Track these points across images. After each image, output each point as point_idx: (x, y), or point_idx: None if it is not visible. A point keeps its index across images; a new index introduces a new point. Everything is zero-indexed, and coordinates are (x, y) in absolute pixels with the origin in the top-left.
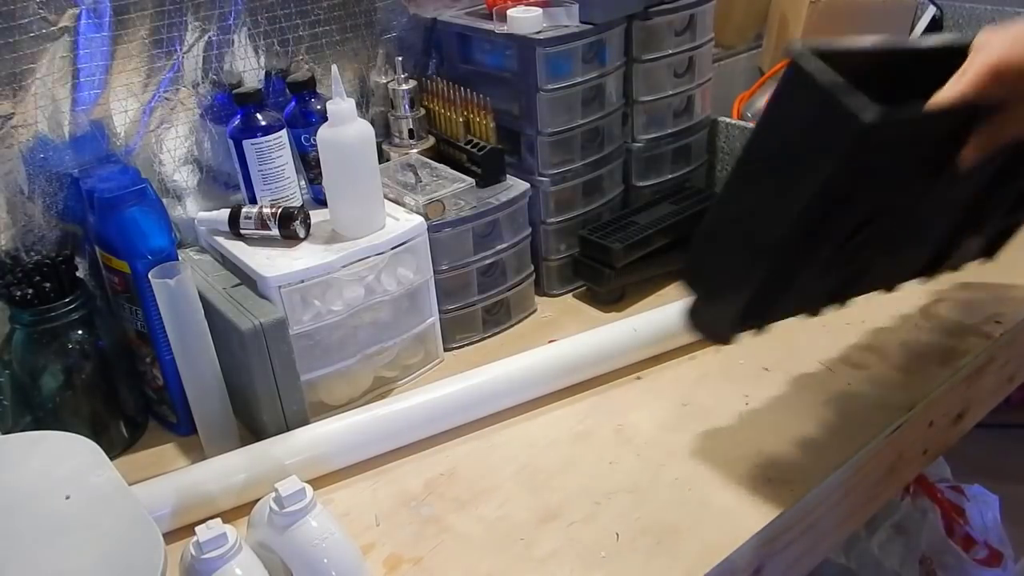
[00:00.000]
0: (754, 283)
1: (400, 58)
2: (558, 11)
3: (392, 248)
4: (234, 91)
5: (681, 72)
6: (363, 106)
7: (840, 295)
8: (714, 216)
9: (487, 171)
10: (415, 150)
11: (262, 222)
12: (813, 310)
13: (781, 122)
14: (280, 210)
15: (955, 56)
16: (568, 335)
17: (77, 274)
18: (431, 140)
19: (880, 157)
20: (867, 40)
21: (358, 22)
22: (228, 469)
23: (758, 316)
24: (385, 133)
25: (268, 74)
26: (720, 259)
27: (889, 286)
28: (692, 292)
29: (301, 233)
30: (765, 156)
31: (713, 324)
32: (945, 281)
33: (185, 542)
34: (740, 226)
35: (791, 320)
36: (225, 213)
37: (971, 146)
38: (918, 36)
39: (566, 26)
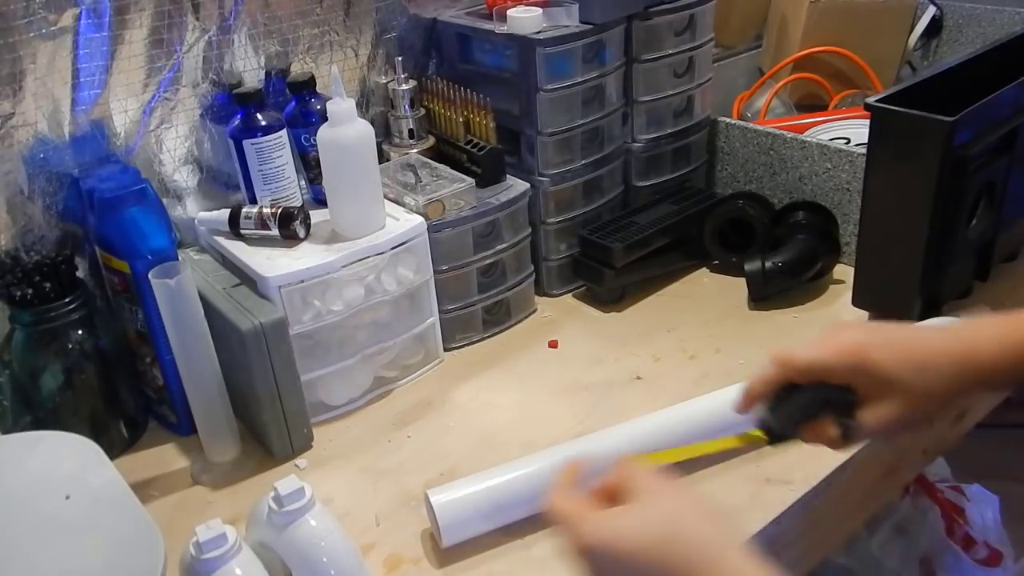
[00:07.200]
0: None
1: (400, 58)
2: (558, 11)
3: (392, 248)
4: (234, 91)
5: (681, 72)
6: (363, 106)
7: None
8: None
9: (487, 171)
10: (415, 150)
11: (262, 222)
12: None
13: None
14: (280, 210)
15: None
16: (568, 335)
17: (77, 274)
18: (431, 140)
19: None
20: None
21: (358, 22)
22: None
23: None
24: (385, 133)
25: (268, 74)
26: None
27: None
28: None
29: (301, 233)
30: None
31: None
32: None
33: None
34: None
35: (790, 320)
36: (225, 213)
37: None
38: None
39: (566, 26)
